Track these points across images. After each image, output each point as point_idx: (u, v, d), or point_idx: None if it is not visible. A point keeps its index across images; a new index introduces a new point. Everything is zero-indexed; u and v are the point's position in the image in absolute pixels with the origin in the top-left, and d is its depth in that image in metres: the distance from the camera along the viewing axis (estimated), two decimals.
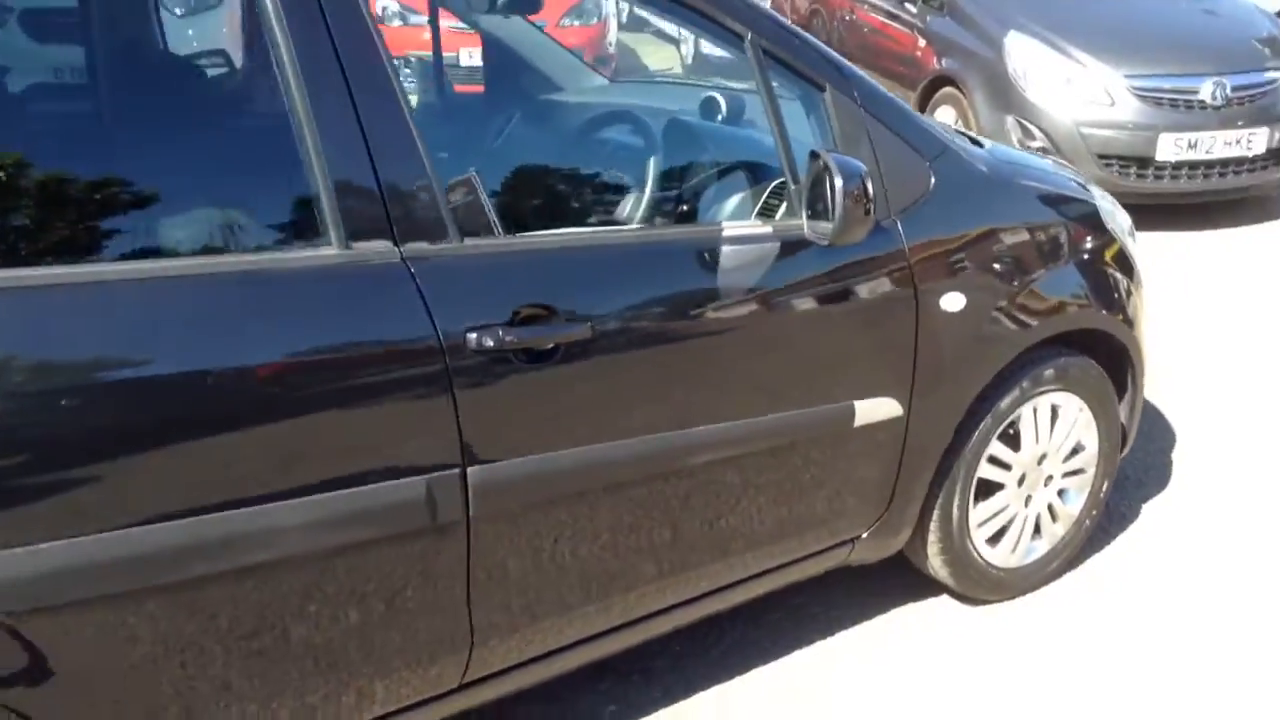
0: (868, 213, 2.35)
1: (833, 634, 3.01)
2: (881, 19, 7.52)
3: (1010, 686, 2.83)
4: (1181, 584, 3.22)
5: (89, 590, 1.77)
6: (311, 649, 2.03)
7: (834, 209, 2.31)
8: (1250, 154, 6.28)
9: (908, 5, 7.19)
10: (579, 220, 2.61)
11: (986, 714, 2.74)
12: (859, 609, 3.09)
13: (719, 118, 3.03)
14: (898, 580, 3.13)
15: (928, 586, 3.13)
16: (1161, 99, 6.18)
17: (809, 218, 2.39)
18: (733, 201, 2.61)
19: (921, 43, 7.00)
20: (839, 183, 2.30)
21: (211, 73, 2.82)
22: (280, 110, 1.95)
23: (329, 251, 1.97)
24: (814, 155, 2.38)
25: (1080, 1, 6.89)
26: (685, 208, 2.66)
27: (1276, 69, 6.50)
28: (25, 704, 1.74)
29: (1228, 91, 6.22)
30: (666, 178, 2.68)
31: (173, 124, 2.22)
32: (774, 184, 2.58)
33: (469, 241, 2.10)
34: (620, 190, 2.66)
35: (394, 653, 2.13)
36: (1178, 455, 3.89)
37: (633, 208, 2.61)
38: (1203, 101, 6.19)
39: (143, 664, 1.85)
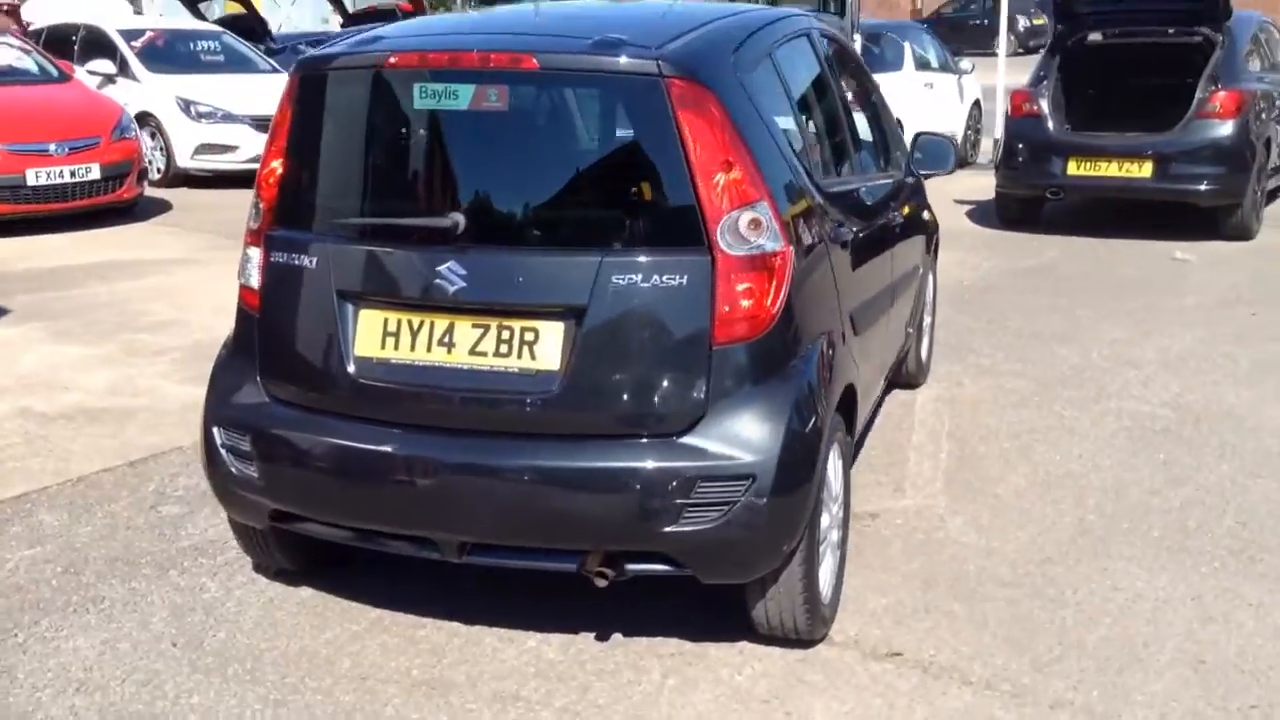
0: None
1: None
2: None
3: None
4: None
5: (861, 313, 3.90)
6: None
7: (952, 161, 4.91)
8: None
9: None
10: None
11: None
12: None
13: None
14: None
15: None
16: None
17: (921, 166, 4.95)
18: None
19: None
20: (953, 147, 4.92)
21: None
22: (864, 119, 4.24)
23: (887, 175, 4.23)
24: (921, 134, 4.96)
25: None
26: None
27: None
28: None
29: None
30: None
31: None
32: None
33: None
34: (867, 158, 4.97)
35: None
36: None
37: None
38: None
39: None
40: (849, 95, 4.57)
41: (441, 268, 3.13)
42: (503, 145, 3.28)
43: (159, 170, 12.29)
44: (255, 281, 3.44)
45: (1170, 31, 9.79)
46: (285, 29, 21.93)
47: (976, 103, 14.53)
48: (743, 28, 3.54)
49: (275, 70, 13.91)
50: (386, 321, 3.23)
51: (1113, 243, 9.48)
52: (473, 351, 3.15)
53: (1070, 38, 9.97)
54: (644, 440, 3.09)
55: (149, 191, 11.26)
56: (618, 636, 3.52)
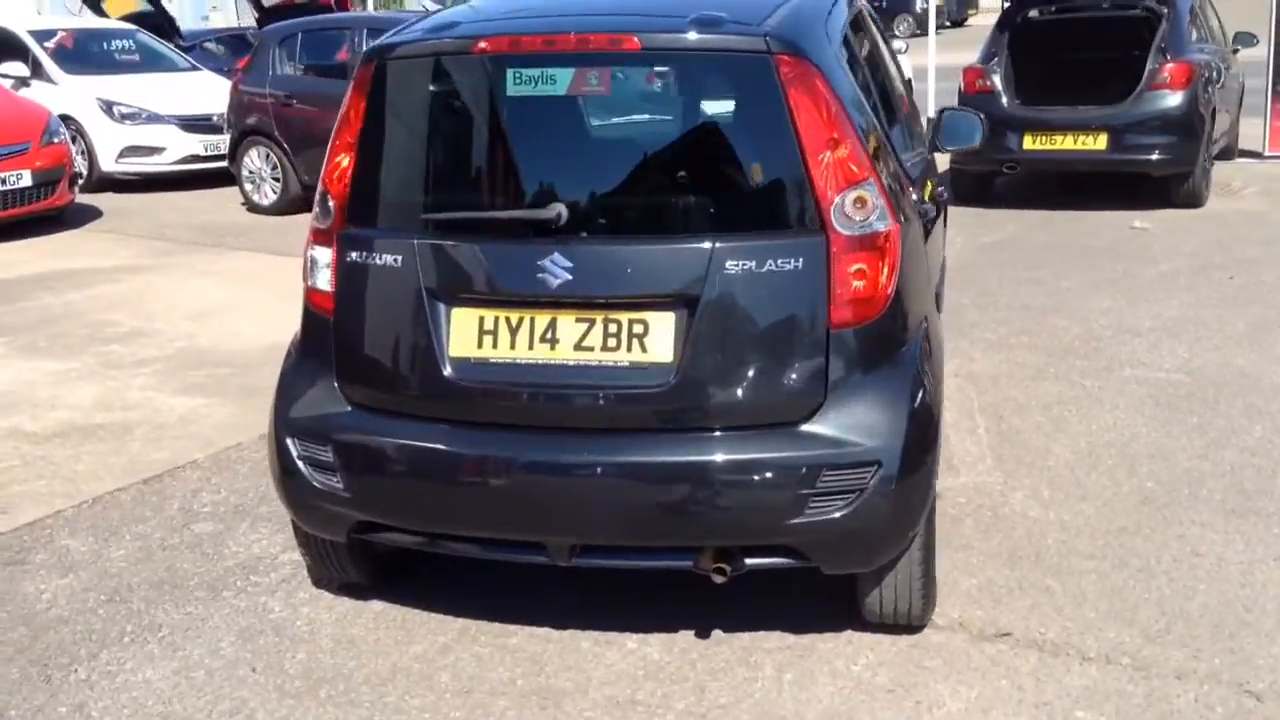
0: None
1: None
2: None
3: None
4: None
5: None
6: None
7: (979, 136, 4.84)
8: None
9: None
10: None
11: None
12: None
13: None
14: None
15: None
16: None
17: (950, 141, 4.89)
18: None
19: None
20: (981, 121, 4.86)
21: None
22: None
23: (921, 149, 4.12)
24: (947, 109, 4.90)
25: None
26: None
27: None
28: None
29: None
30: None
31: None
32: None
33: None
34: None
35: None
36: None
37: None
38: None
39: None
40: (893, 70, 4.52)
41: (544, 261, 2.97)
42: (603, 130, 3.14)
43: (82, 175, 11.77)
44: (327, 284, 3.24)
45: (1105, 4, 9.95)
46: None
47: (908, 82, 14.62)
48: (819, 3, 3.43)
49: (195, 68, 13.47)
50: (482, 320, 3.06)
51: (1067, 214, 9.60)
52: (578, 347, 3.00)
53: (1019, 14, 10.07)
54: (764, 430, 2.98)
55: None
56: (718, 633, 3.41)
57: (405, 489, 3.15)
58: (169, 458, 4.82)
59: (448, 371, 3.06)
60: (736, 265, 2.92)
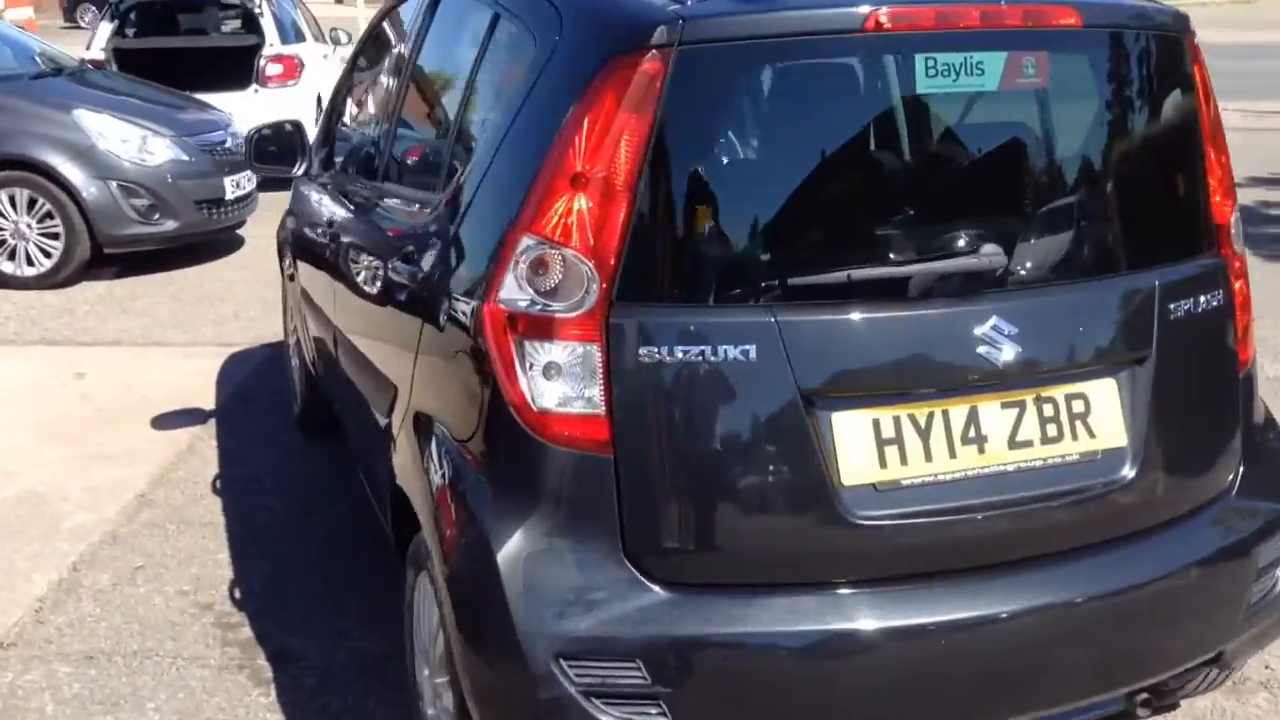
0: None
1: None
2: None
3: None
4: None
5: None
6: None
7: None
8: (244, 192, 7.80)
9: None
10: None
11: None
12: None
13: None
14: None
15: None
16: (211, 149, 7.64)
17: None
18: None
19: None
20: None
21: None
22: None
23: None
24: None
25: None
26: None
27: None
28: None
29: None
30: None
31: None
32: None
33: None
34: None
35: None
36: None
37: None
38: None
39: None
40: None
41: (982, 329, 2.15)
42: (1026, 139, 2.33)
43: None
44: (583, 403, 2.07)
45: None
46: None
47: None
48: None
49: None
50: (878, 424, 2.13)
51: None
52: (1013, 444, 2.20)
53: None
54: (1210, 511, 2.44)
55: None
56: None
57: (792, 703, 2.10)
58: None
59: (848, 510, 2.10)
60: (1179, 306, 2.36)
